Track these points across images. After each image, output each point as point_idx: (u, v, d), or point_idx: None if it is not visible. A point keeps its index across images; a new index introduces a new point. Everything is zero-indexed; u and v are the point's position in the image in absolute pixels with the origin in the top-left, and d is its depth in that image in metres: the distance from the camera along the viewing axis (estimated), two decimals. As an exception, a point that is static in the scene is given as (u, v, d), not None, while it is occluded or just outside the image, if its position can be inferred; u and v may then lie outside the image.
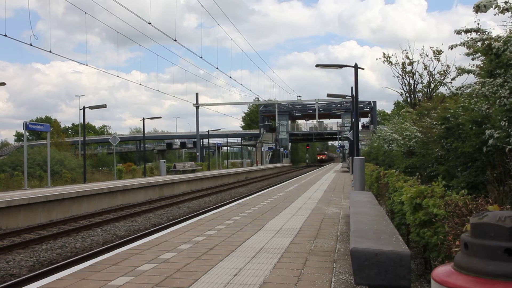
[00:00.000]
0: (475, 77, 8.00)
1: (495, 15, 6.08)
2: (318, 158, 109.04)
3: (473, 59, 8.37)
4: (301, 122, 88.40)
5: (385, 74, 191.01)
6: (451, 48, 7.68)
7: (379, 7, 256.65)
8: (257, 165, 63.41)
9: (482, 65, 7.62)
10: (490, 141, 6.33)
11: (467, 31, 7.04)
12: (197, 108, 62.82)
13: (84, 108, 28.46)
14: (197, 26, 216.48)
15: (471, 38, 7.12)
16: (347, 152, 54.55)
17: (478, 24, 6.92)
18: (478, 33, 6.95)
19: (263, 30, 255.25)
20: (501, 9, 5.85)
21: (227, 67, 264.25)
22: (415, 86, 28.51)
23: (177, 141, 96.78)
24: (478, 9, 5.45)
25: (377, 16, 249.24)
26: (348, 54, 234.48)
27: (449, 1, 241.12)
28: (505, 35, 6.39)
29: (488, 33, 6.84)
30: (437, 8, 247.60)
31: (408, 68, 28.43)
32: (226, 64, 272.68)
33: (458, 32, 7.19)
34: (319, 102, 72.58)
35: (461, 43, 7.43)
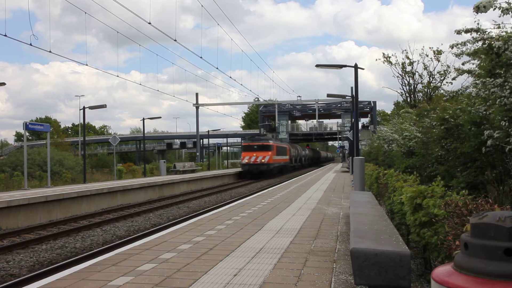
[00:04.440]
0: (473, 79, 8.01)
1: (499, 16, 6.08)
2: (244, 161, 39.02)
3: (463, 64, 8.36)
4: (301, 122, 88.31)
5: (384, 74, 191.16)
6: (452, 47, 7.67)
7: (374, 8, 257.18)
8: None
9: (480, 65, 7.62)
10: (489, 142, 6.33)
11: (467, 31, 7.03)
12: (197, 108, 62.80)
13: (84, 108, 28.45)
14: (194, 27, 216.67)
15: (472, 37, 7.11)
16: (347, 152, 54.54)
17: (478, 24, 6.91)
18: (478, 33, 6.94)
19: (259, 31, 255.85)
20: (503, 9, 5.85)
21: (226, 68, 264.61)
22: (415, 86, 28.53)
23: (177, 141, 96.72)
24: (478, 9, 5.43)
25: (373, 17, 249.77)
26: (346, 54, 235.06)
27: (445, 2, 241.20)
28: (505, 34, 6.39)
29: (489, 32, 6.84)
30: (433, 9, 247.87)
31: (408, 68, 28.45)
32: (225, 64, 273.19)
33: (459, 32, 7.18)
34: (319, 102, 72.59)
35: (462, 42, 7.42)
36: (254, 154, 37.84)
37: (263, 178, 36.75)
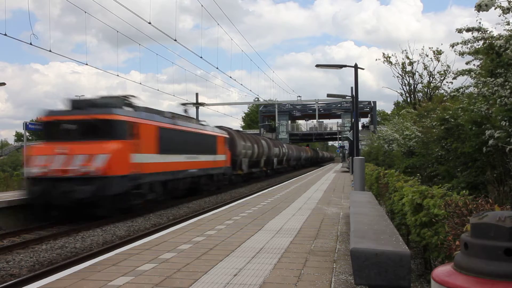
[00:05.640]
0: (473, 79, 8.01)
1: (499, 16, 6.08)
2: (32, 171, 12.74)
3: (467, 63, 8.37)
4: (301, 122, 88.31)
5: (383, 74, 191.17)
6: (452, 46, 7.67)
7: (373, 8, 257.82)
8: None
9: (481, 65, 7.62)
10: (490, 142, 6.33)
11: (468, 29, 7.03)
12: (197, 108, 62.79)
13: (84, 108, 28.38)
14: (193, 27, 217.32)
15: (473, 36, 7.11)
16: (347, 152, 54.53)
17: (480, 23, 6.92)
18: (480, 32, 6.94)
19: (258, 31, 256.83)
20: (504, 9, 5.85)
21: (225, 68, 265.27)
22: (415, 86, 28.57)
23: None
24: (479, 8, 5.43)
25: (372, 17, 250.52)
26: (345, 54, 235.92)
27: (444, 2, 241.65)
28: (506, 34, 6.39)
29: (490, 32, 6.84)
30: (432, 9, 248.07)
31: (408, 68, 28.51)
32: (224, 64, 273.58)
33: (460, 31, 7.19)
34: (319, 102, 72.58)
35: (462, 41, 7.42)
36: (65, 148, 13.18)
37: (98, 221, 13.30)
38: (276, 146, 40.31)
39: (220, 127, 25.96)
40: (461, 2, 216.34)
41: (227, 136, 25.25)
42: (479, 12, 5.55)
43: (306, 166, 62.95)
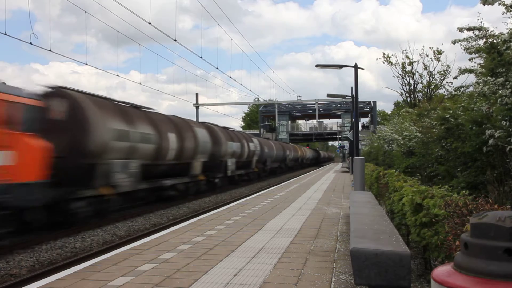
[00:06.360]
0: (475, 78, 8.01)
1: (502, 14, 6.09)
2: None
3: (470, 60, 8.37)
4: (301, 122, 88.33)
5: (383, 74, 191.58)
6: (454, 43, 7.66)
7: (373, 9, 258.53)
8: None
9: (483, 64, 7.62)
10: (491, 141, 6.33)
11: (469, 29, 7.04)
12: (197, 108, 62.82)
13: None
14: (192, 27, 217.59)
15: (475, 35, 7.11)
16: (347, 152, 54.51)
17: (481, 22, 6.92)
18: (481, 31, 6.94)
19: (258, 31, 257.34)
20: (507, 6, 5.85)
21: (225, 68, 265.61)
22: (415, 86, 28.59)
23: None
24: (485, 1, 5.43)
25: (371, 17, 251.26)
26: (345, 54, 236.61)
27: (443, 2, 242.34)
28: (509, 32, 6.39)
29: (491, 31, 6.85)
30: (432, 9, 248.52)
31: (408, 68, 28.52)
32: (224, 65, 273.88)
33: (461, 30, 7.19)
34: (319, 102, 72.59)
35: (464, 38, 7.42)
36: None
37: None
38: (235, 140, 24.89)
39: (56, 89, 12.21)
40: (460, 2, 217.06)
41: (23, 101, 9.97)
42: (484, 5, 5.54)
43: (294, 169, 48.28)
